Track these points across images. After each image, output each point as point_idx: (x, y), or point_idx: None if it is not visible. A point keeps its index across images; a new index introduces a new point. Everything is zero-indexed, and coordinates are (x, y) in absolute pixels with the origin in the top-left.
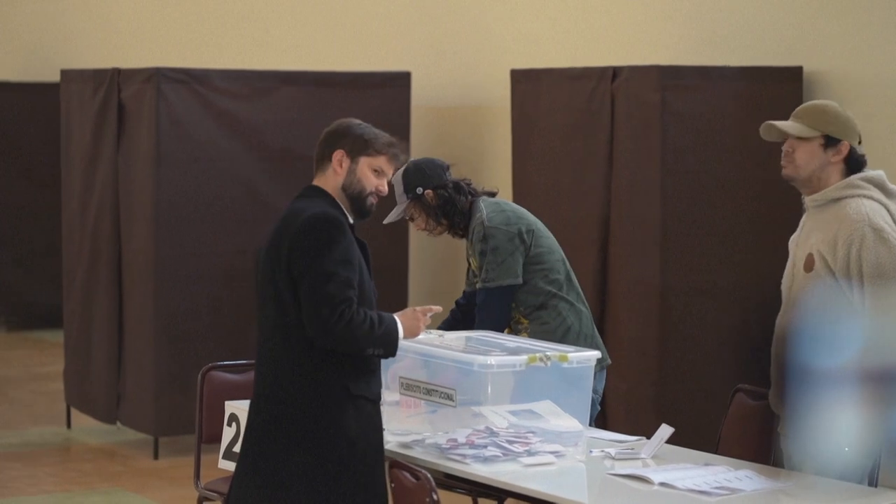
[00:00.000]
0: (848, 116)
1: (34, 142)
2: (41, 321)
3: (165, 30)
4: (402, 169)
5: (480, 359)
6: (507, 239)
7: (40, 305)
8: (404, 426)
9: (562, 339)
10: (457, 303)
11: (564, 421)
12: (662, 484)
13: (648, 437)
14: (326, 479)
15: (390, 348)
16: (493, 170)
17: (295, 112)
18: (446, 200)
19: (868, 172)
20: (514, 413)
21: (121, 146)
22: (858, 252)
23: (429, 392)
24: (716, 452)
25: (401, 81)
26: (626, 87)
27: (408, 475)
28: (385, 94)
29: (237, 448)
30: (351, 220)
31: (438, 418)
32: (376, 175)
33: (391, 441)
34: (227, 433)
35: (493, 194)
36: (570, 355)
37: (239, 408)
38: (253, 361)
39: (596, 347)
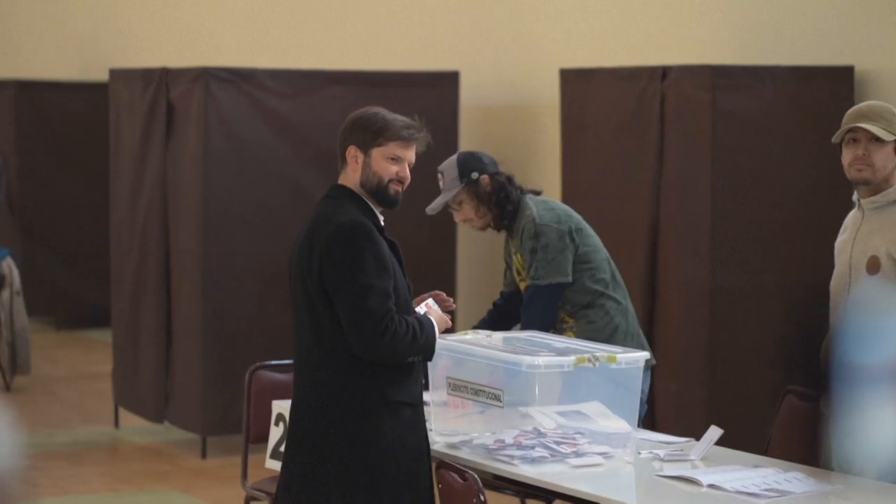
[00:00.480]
0: None
1: (84, 141)
2: (90, 320)
3: (214, 29)
4: (455, 156)
5: (528, 359)
6: (558, 237)
7: (89, 305)
8: (451, 427)
9: (609, 339)
10: (494, 304)
11: (613, 422)
12: (711, 486)
13: (697, 439)
14: (361, 487)
15: (429, 353)
16: (541, 169)
17: (342, 112)
18: (501, 187)
19: None
20: (562, 414)
21: (169, 145)
22: None
23: (476, 392)
24: (765, 454)
25: (449, 81)
26: (676, 86)
27: (455, 476)
28: (433, 94)
29: (284, 448)
30: (381, 219)
31: (486, 419)
32: (393, 162)
33: (438, 441)
34: (275, 433)
35: (537, 193)
36: (618, 356)
37: (286, 407)
38: None
39: (642, 347)
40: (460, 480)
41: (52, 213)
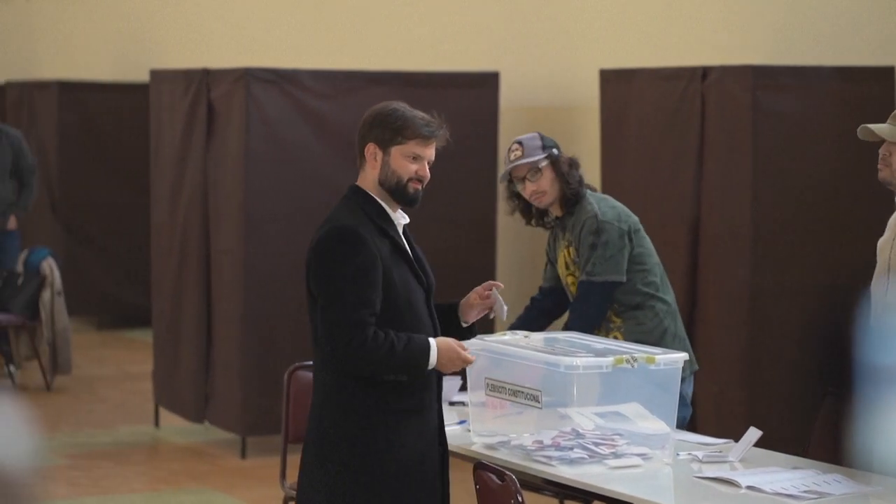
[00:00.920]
0: None
1: (125, 142)
2: (132, 321)
3: (255, 30)
4: (533, 133)
5: (567, 360)
6: (619, 235)
7: (131, 305)
8: (490, 427)
9: (658, 342)
10: (532, 299)
11: (651, 423)
12: (750, 487)
13: (736, 440)
14: (360, 488)
15: (414, 373)
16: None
17: None
18: (573, 167)
19: None
20: (600, 415)
21: (210, 146)
22: None
23: (514, 393)
24: (805, 456)
25: (489, 82)
26: (717, 86)
27: (493, 476)
28: (474, 95)
29: None
30: (397, 219)
31: (524, 420)
32: (413, 161)
33: (476, 442)
34: None
35: (593, 189)
36: (657, 357)
37: None
38: None
39: (687, 351)
40: (498, 481)
41: (93, 214)
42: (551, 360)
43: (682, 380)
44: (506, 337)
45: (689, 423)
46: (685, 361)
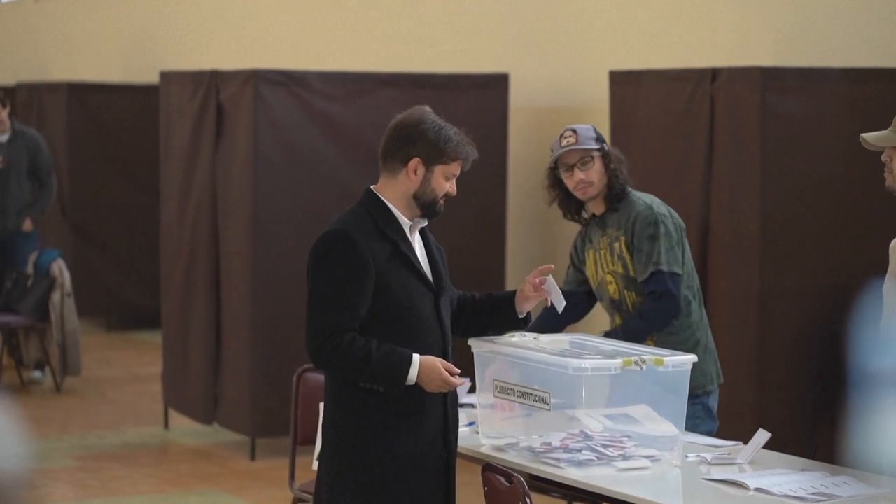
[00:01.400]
0: None
1: (134, 144)
2: (141, 322)
3: (264, 32)
4: (587, 125)
5: (575, 362)
6: (675, 228)
7: (140, 306)
8: (498, 429)
9: (691, 352)
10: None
11: (660, 425)
12: (758, 489)
13: (745, 442)
14: (360, 488)
15: (390, 385)
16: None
17: (393, 114)
18: (622, 163)
19: None
20: (609, 417)
21: (219, 148)
22: None
23: (523, 395)
24: (814, 458)
25: (499, 83)
26: (726, 88)
27: (501, 478)
28: (483, 96)
29: None
30: (409, 228)
31: (533, 422)
32: (448, 180)
33: (485, 444)
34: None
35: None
36: (665, 359)
37: None
38: None
39: (717, 364)
40: (506, 483)
41: (102, 215)
42: (560, 363)
43: (709, 393)
44: (514, 339)
45: None
46: (711, 374)
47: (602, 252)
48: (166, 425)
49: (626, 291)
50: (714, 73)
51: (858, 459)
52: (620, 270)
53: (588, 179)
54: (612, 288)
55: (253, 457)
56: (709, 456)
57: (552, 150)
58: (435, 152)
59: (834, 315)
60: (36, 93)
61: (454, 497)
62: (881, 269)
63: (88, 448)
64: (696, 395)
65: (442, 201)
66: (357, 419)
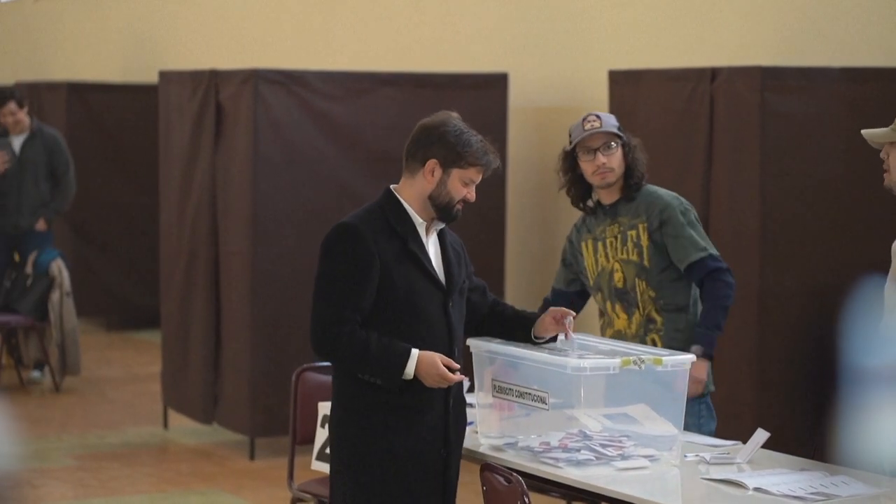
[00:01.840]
0: None
1: (134, 143)
2: (141, 322)
3: (263, 31)
4: (610, 114)
5: (574, 362)
6: (696, 217)
7: (140, 306)
8: (497, 429)
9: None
10: (545, 301)
11: (659, 425)
12: (757, 489)
13: (744, 442)
14: (359, 487)
15: (387, 379)
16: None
17: (393, 114)
18: (642, 154)
19: None
20: (608, 416)
21: (218, 147)
22: None
23: (521, 395)
24: (813, 458)
25: (498, 83)
26: (725, 87)
27: (500, 478)
28: (483, 96)
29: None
30: (425, 229)
31: (531, 421)
32: (466, 185)
33: (484, 444)
34: (321, 434)
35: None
36: (664, 359)
37: None
38: None
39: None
40: (505, 483)
41: (102, 215)
42: (558, 362)
43: (710, 392)
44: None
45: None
46: (712, 373)
47: (609, 241)
48: (166, 425)
49: (637, 280)
50: (714, 73)
51: (856, 458)
52: (635, 258)
53: (610, 165)
54: (618, 276)
55: (252, 456)
56: (708, 455)
57: (570, 134)
58: (453, 155)
59: (834, 315)
60: (35, 92)
61: (453, 494)
62: (880, 268)
63: (88, 447)
64: (702, 394)
65: (459, 206)
66: (358, 419)
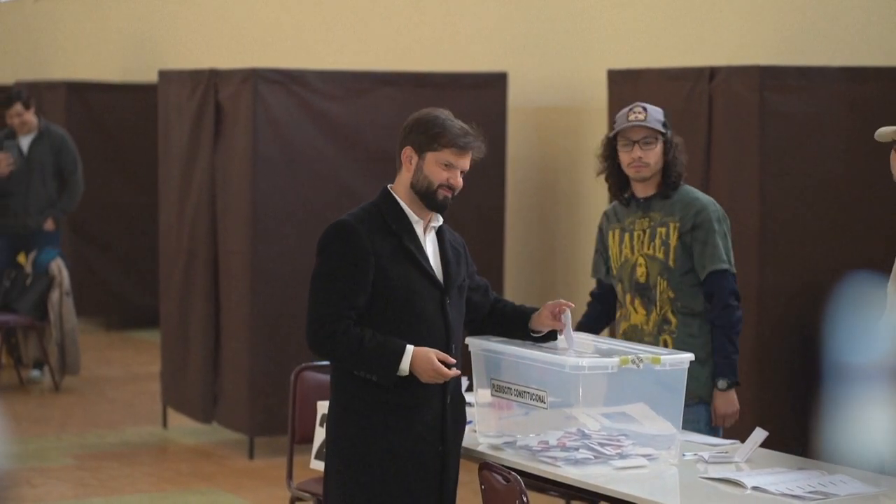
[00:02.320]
0: None
1: (133, 142)
2: (140, 321)
3: (263, 31)
4: (659, 108)
5: (572, 360)
6: (728, 230)
7: (139, 306)
8: (496, 428)
9: (707, 359)
10: (592, 295)
11: (657, 424)
12: (755, 488)
13: (743, 441)
14: (359, 487)
15: (382, 375)
16: (589, 171)
17: (392, 113)
18: (683, 154)
19: None
20: (606, 415)
21: (218, 147)
22: None
23: (520, 394)
24: (809, 456)
25: (497, 82)
26: (724, 87)
27: (498, 477)
28: (482, 95)
29: None
30: (422, 225)
31: (530, 420)
32: (446, 168)
33: (482, 443)
34: (319, 433)
35: None
36: (662, 357)
37: None
38: None
39: None
40: (503, 482)
41: (101, 215)
42: (556, 361)
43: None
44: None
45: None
46: None
47: (637, 234)
48: (165, 424)
49: (659, 278)
50: (712, 72)
51: (854, 456)
52: (660, 256)
53: (646, 160)
54: (640, 271)
55: (251, 455)
56: (706, 454)
57: (615, 121)
58: (425, 139)
59: (832, 313)
60: (35, 91)
61: (451, 492)
62: (880, 268)
63: (87, 447)
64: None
65: (443, 192)
66: (357, 418)
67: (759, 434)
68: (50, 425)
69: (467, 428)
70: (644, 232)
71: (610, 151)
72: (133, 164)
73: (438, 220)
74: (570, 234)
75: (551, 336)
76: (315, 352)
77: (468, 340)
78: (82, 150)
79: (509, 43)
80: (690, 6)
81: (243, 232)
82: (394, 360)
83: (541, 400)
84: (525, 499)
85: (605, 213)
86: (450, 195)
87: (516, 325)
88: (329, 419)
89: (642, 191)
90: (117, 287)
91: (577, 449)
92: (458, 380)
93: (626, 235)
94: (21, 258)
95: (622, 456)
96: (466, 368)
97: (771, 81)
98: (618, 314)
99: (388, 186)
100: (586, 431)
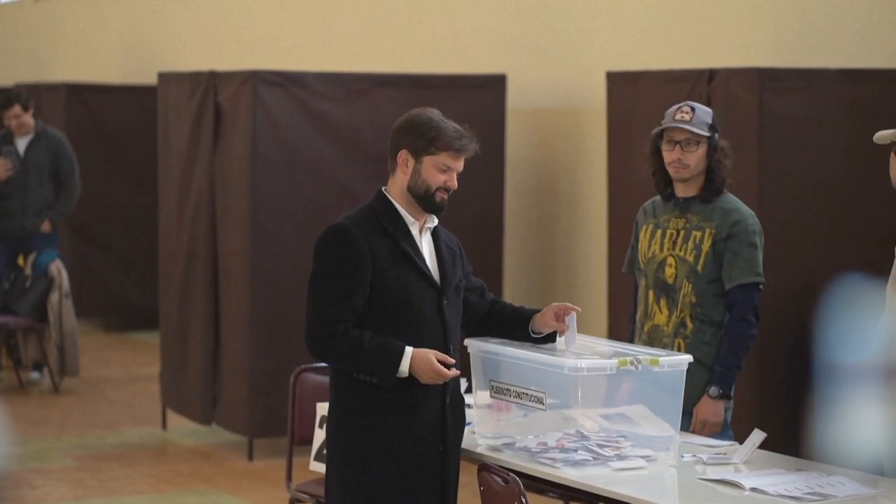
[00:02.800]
0: None
1: (133, 144)
2: (140, 322)
3: (262, 32)
4: (709, 109)
5: (571, 362)
6: (761, 247)
7: (139, 307)
8: (495, 429)
9: (713, 366)
10: (635, 285)
11: (656, 425)
12: (754, 489)
13: (741, 442)
14: (347, 495)
15: (382, 377)
16: (588, 172)
17: (391, 115)
18: (727, 159)
19: None
20: (605, 417)
21: (217, 148)
22: None
23: (519, 395)
24: (810, 457)
25: (497, 84)
26: (723, 88)
27: (497, 478)
28: (481, 97)
29: None
30: (417, 226)
31: (529, 422)
32: (443, 171)
33: (481, 444)
34: (319, 435)
35: None
36: (661, 359)
37: None
38: None
39: None
40: (502, 483)
41: (101, 216)
42: (555, 363)
43: (726, 409)
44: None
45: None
46: None
47: (670, 233)
48: (164, 425)
49: (685, 280)
50: (711, 74)
51: (852, 457)
52: (690, 260)
53: (685, 161)
54: (669, 272)
55: (251, 457)
56: (704, 456)
57: (664, 116)
58: (422, 143)
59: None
60: (35, 93)
61: (452, 492)
62: (879, 268)
63: (87, 448)
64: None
65: (440, 195)
66: (357, 418)
67: (758, 435)
68: (49, 426)
69: (466, 429)
70: (678, 232)
71: (654, 148)
72: (133, 165)
73: (434, 221)
74: (570, 234)
75: (551, 338)
76: (314, 354)
77: (467, 342)
78: (82, 152)
79: (508, 45)
80: (689, 8)
81: (243, 233)
82: (393, 361)
83: (540, 401)
84: (524, 500)
85: (643, 208)
86: (446, 196)
87: (516, 326)
88: (329, 420)
89: (683, 191)
90: (117, 288)
91: (575, 450)
92: (457, 379)
93: (659, 232)
94: (20, 260)
95: (621, 457)
96: (465, 370)
97: (770, 83)
98: (638, 313)
99: (383, 189)
100: (585, 433)
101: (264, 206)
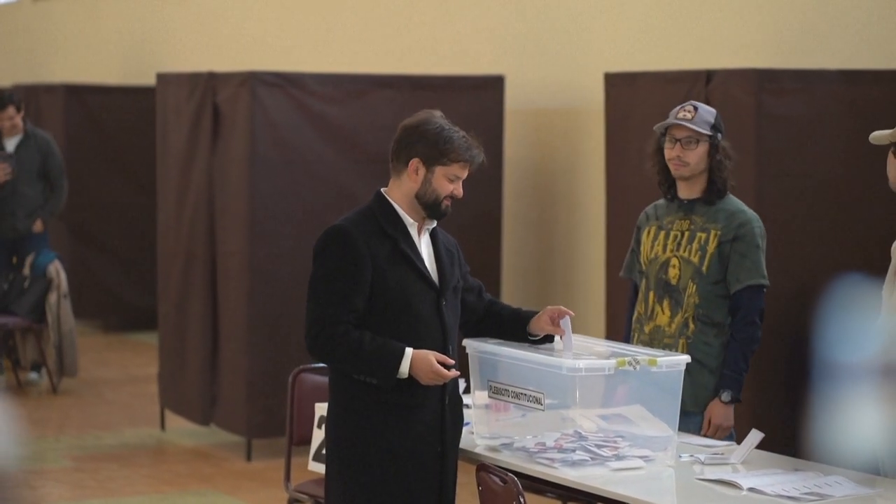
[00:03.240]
0: None
1: (132, 145)
2: (138, 323)
3: (261, 34)
4: (713, 109)
5: (569, 362)
6: (764, 248)
7: (137, 307)
8: (493, 430)
9: (715, 370)
10: (631, 301)
11: (654, 426)
12: (751, 489)
13: (739, 443)
14: (347, 494)
15: (382, 378)
16: (586, 173)
17: (389, 116)
18: (729, 159)
19: None
20: (603, 417)
21: (216, 149)
22: None
23: (517, 396)
24: (808, 457)
25: (495, 85)
26: (721, 90)
27: (495, 479)
28: (479, 98)
29: None
30: (417, 228)
31: (527, 422)
32: (451, 181)
33: (479, 444)
34: (317, 435)
35: None
36: (659, 359)
37: None
38: None
39: None
40: (500, 483)
41: (100, 217)
42: (553, 363)
43: None
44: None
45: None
46: None
47: (674, 234)
48: (163, 426)
49: (689, 282)
50: (709, 75)
51: (850, 456)
52: (695, 261)
53: (685, 159)
54: (673, 273)
55: (249, 457)
56: (702, 456)
57: (668, 115)
58: (435, 153)
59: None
60: (33, 94)
61: (450, 492)
62: (878, 268)
63: (85, 449)
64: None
65: (446, 203)
66: (357, 419)
67: (756, 436)
68: (48, 427)
69: (465, 430)
70: (682, 234)
71: (657, 146)
72: (131, 165)
73: (432, 223)
74: (568, 236)
75: (548, 339)
76: (314, 355)
77: (465, 342)
78: (81, 153)
79: (507, 46)
80: (687, 9)
81: (241, 233)
82: (393, 362)
83: (538, 402)
84: (522, 500)
85: (645, 212)
86: (450, 203)
87: (513, 327)
88: (328, 420)
89: (686, 192)
90: (115, 288)
91: (573, 450)
92: (456, 380)
93: (662, 233)
94: (14, 261)
95: (619, 457)
96: (463, 370)
97: (768, 84)
98: (636, 314)
99: (382, 190)
100: (583, 433)
101: (263, 207)
